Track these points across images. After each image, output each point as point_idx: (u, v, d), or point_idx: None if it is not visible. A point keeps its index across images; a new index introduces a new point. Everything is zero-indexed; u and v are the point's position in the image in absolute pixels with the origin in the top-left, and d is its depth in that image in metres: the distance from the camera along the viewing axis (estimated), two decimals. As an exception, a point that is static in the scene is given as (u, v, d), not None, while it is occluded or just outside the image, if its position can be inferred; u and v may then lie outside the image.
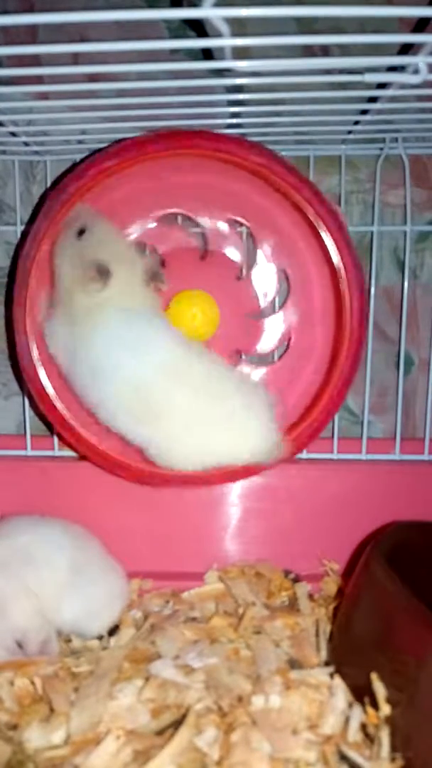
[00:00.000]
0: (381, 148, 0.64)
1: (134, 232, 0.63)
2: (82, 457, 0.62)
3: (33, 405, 0.67)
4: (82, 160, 0.61)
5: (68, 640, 0.52)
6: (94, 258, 0.54)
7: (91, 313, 0.55)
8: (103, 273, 0.54)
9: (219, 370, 0.58)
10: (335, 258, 0.56)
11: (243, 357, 0.66)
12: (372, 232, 0.67)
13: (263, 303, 0.65)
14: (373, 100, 0.51)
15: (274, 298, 0.65)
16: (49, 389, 0.58)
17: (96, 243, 0.55)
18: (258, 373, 0.66)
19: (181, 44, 0.42)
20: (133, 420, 0.55)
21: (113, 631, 0.53)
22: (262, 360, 0.67)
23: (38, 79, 0.53)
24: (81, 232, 0.55)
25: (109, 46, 0.41)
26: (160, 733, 0.40)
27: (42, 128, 0.59)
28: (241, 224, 0.64)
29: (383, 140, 0.63)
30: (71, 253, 0.55)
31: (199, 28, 0.50)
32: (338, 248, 0.56)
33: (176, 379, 0.55)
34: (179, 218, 0.65)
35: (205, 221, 0.63)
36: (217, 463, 0.56)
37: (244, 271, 0.65)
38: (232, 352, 0.64)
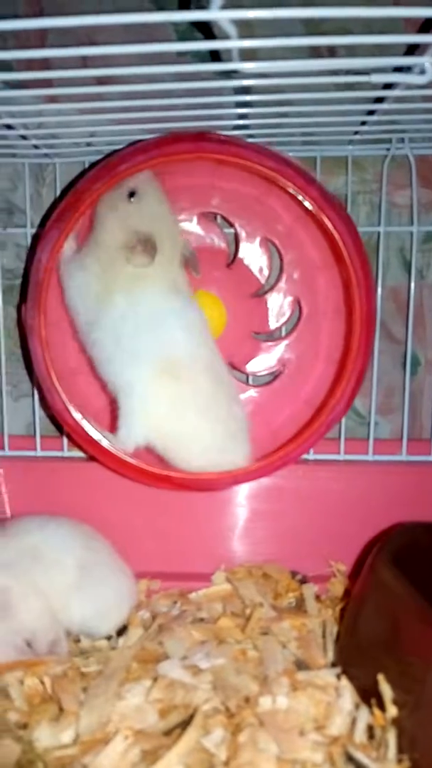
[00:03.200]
0: (387, 149, 0.64)
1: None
2: (91, 458, 0.63)
3: (43, 406, 0.68)
4: (95, 163, 0.61)
5: (77, 640, 0.53)
6: (143, 229, 0.54)
7: (127, 282, 0.54)
8: (150, 249, 0.53)
9: (230, 375, 0.59)
10: (356, 311, 0.55)
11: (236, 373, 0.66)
12: (379, 233, 0.67)
13: (272, 326, 0.65)
14: (379, 100, 0.51)
15: (282, 325, 0.65)
16: (62, 394, 0.58)
17: (146, 212, 0.55)
18: (246, 391, 0.66)
19: (189, 46, 0.42)
20: (154, 401, 0.55)
21: (122, 631, 0.53)
22: (253, 380, 0.67)
23: (47, 83, 0.54)
24: (132, 194, 0.55)
25: (118, 49, 0.41)
26: (167, 733, 0.41)
27: (51, 131, 0.59)
28: (273, 244, 0.64)
29: (390, 141, 0.63)
30: (118, 216, 0.55)
31: (206, 30, 0.51)
32: (349, 254, 0.55)
33: (203, 369, 0.55)
34: (217, 220, 0.65)
35: (241, 232, 0.64)
36: (208, 467, 0.56)
37: (263, 290, 0.65)
38: (227, 364, 0.64)
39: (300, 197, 0.54)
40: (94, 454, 0.59)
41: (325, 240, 0.57)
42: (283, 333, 0.66)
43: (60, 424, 0.65)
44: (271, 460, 0.57)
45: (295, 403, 0.64)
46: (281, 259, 0.64)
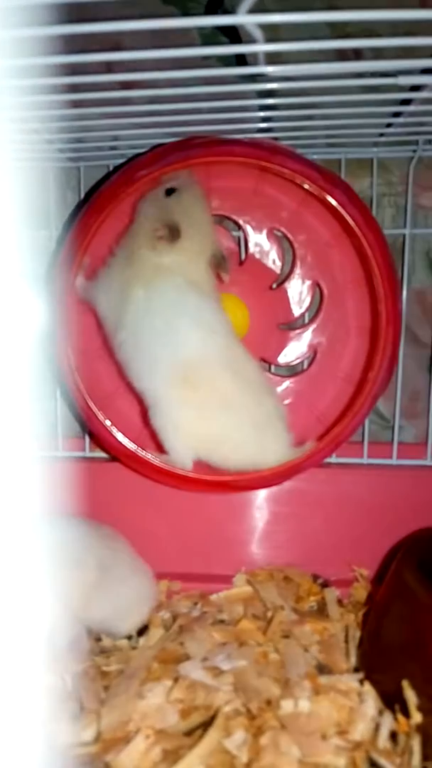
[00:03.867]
0: (414, 151, 0.64)
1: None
2: (113, 459, 0.63)
3: (68, 406, 0.68)
4: (119, 167, 0.62)
5: (98, 639, 0.53)
6: (171, 218, 0.54)
7: (148, 273, 0.54)
8: (172, 232, 0.54)
9: (259, 370, 0.58)
10: (375, 278, 0.55)
11: (271, 368, 0.66)
12: (404, 235, 0.66)
13: (296, 314, 0.65)
14: (406, 102, 0.50)
15: (306, 310, 0.65)
16: (86, 395, 0.58)
17: (181, 206, 0.55)
18: (282, 383, 0.66)
19: (216, 51, 0.42)
20: (180, 416, 0.55)
21: (142, 631, 0.53)
22: (288, 370, 0.67)
23: (73, 87, 0.55)
24: (170, 191, 0.55)
25: (143, 54, 0.42)
26: (188, 733, 0.41)
27: (76, 135, 0.60)
28: (282, 233, 0.64)
29: (416, 142, 0.62)
30: (154, 210, 0.55)
31: (231, 34, 0.51)
32: (375, 258, 0.55)
33: (227, 368, 0.55)
34: (218, 220, 0.65)
35: (247, 228, 0.64)
36: (246, 464, 0.56)
37: (279, 281, 0.65)
38: (257, 360, 0.64)
39: (298, 181, 0.54)
40: (150, 475, 0.59)
41: (331, 216, 0.57)
42: (308, 318, 0.66)
43: (82, 425, 0.66)
44: (321, 446, 0.56)
45: (335, 383, 0.63)
46: (292, 246, 0.64)
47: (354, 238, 0.55)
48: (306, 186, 0.54)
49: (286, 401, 0.65)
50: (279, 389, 0.66)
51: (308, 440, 0.58)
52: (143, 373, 0.56)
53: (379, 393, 0.57)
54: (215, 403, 0.55)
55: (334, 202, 0.54)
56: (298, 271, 0.64)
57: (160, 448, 0.58)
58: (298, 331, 0.66)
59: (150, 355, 0.55)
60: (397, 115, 0.54)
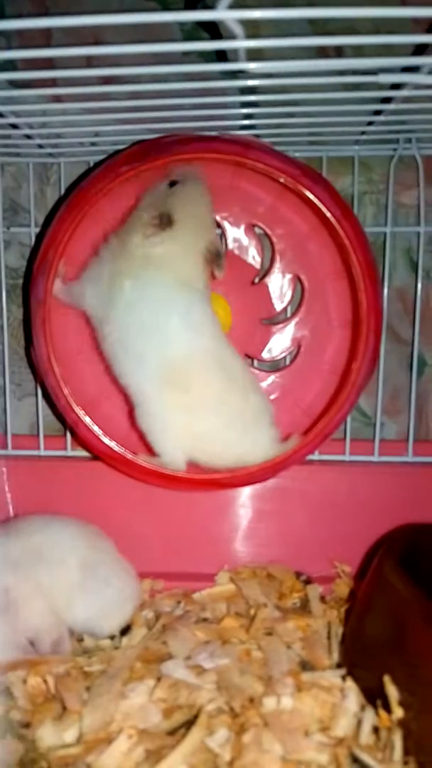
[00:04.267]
0: (394, 149, 0.64)
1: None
2: (95, 457, 0.63)
3: (49, 405, 0.68)
4: (99, 163, 0.61)
5: (80, 640, 0.53)
6: (167, 206, 0.53)
7: (137, 265, 0.54)
8: (164, 220, 0.53)
9: (245, 367, 0.58)
10: (354, 268, 0.55)
11: (254, 362, 0.67)
12: (385, 233, 0.66)
13: (278, 308, 0.65)
14: (386, 100, 0.51)
15: (288, 304, 0.65)
16: (65, 389, 0.58)
17: (179, 196, 0.54)
18: (268, 378, 0.66)
19: (196, 46, 0.42)
20: (167, 418, 0.55)
21: (125, 630, 0.53)
22: (272, 365, 0.67)
23: (52, 82, 0.54)
24: (173, 183, 0.55)
25: (123, 49, 0.41)
26: (171, 733, 0.40)
27: (56, 130, 0.59)
28: (260, 228, 0.64)
29: (397, 141, 0.63)
30: (153, 200, 0.55)
31: (212, 30, 0.51)
32: (353, 249, 0.55)
33: (214, 367, 0.55)
34: None
35: (224, 224, 0.64)
36: (235, 461, 0.56)
37: (260, 276, 0.65)
38: (242, 356, 0.64)
39: (273, 175, 0.54)
40: (139, 477, 0.59)
41: (308, 209, 0.57)
42: (290, 312, 0.66)
43: (64, 423, 0.65)
44: (308, 439, 0.56)
45: (320, 376, 0.64)
46: (270, 240, 0.64)
47: (331, 229, 0.55)
48: (281, 180, 0.54)
49: (272, 396, 0.65)
50: (264, 384, 0.66)
51: (295, 434, 0.58)
52: (129, 369, 0.55)
53: (364, 384, 0.58)
54: (202, 402, 0.55)
55: (309, 195, 0.54)
56: (277, 265, 0.65)
57: (149, 450, 0.58)
58: (280, 325, 0.66)
59: (136, 351, 0.54)
60: (378, 113, 0.54)
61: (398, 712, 0.39)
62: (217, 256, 0.56)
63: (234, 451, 0.56)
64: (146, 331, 0.54)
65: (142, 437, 0.58)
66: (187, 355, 0.54)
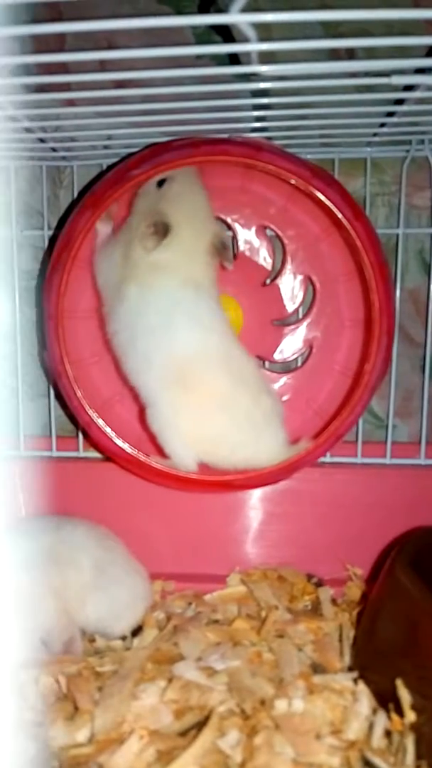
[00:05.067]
0: (407, 150, 0.64)
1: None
2: (107, 459, 0.63)
3: (62, 406, 0.68)
4: (112, 166, 0.62)
5: (92, 640, 0.53)
6: (161, 212, 0.53)
7: (143, 272, 0.53)
8: (159, 231, 0.52)
9: (256, 368, 0.58)
10: (366, 268, 0.55)
11: (266, 364, 0.67)
12: (397, 235, 0.66)
13: (290, 309, 0.65)
14: (399, 102, 0.50)
15: (299, 305, 0.65)
16: (78, 391, 0.58)
17: (171, 197, 0.54)
18: (280, 379, 0.66)
19: (209, 50, 0.42)
20: (177, 419, 0.54)
21: (136, 631, 0.53)
22: (284, 366, 0.67)
23: (66, 86, 0.54)
24: (161, 183, 0.54)
25: (137, 53, 0.41)
26: (183, 734, 0.41)
27: (69, 134, 0.59)
28: (271, 230, 0.64)
29: (409, 142, 0.63)
30: (145, 205, 0.54)
31: (225, 33, 0.51)
32: (365, 249, 0.55)
33: (224, 367, 0.54)
34: None
35: (236, 226, 0.64)
36: (244, 463, 0.56)
37: (271, 277, 0.65)
38: (253, 357, 0.64)
39: (284, 177, 0.54)
40: (152, 479, 0.59)
41: (319, 210, 0.57)
42: (302, 313, 0.66)
43: (76, 424, 0.66)
44: (321, 440, 0.56)
45: (332, 377, 0.64)
46: (281, 242, 0.64)
47: (343, 230, 0.55)
48: (292, 181, 0.54)
49: (284, 397, 0.65)
50: (276, 386, 0.66)
51: (307, 435, 0.58)
52: (138, 368, 0.55)
53: (377, 385, 0.57)
54: (212, 403, 0.55)
55: (321, 196, 0.54)
56: (289, 266, 0.65)
57: (161, 452, 0.58)
58: (292, 326, 0.66)
59: (144, 352, 0.54)
60: (390, 114, 0.54)
61: (411, 716, 0.38)
62: (222, 248, 0.56)
63: (243, 453, 0.56)
64: (155, 333, 0.54)
65: (154, 439, 0.58)
66: (195, 354, 0.54)
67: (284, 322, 0.66)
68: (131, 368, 0.56)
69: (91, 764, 0.39)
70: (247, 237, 0.64)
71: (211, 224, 0.56)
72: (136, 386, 0.56)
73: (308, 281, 0.65)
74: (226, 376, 0.55)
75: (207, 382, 0.54)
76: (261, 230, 0.64)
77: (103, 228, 0.58)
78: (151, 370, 0.54)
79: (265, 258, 0.65)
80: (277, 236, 0.64)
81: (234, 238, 0.64)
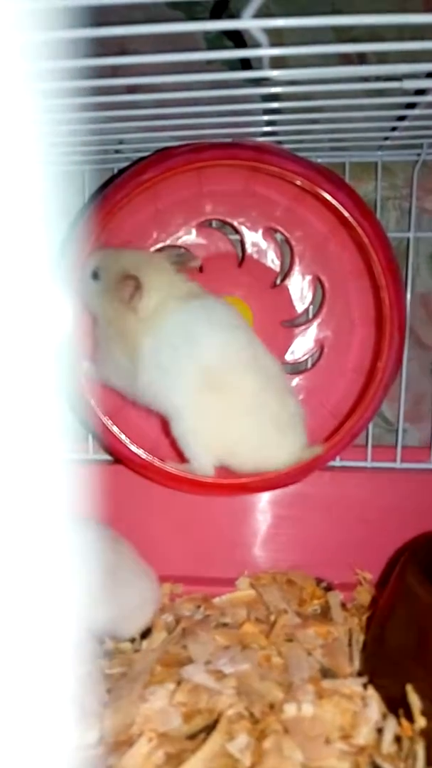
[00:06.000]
0: (418, 154, 0.64)
1: (174, 238, 0.64)
2: (117, 461, 0.63)
3: (71, 408, 0.68)
4: (123, 170, 0.62)
5: (101, 642, 0.53)
6: (120, 274, 0.54)
7: (145, 327, 0.55)
8: (132, 284, 0.54)
9: (281, 368, 0.59)
10: (375, 266, 0.55)
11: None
12: (408, 239, 0.66)
13: (299, 310, 0.65)
14: (411, 106, 0.50)
15: (309, 306, 0.65)
16: (92, 402, 0.58)
17: (114, 273, 0.55)
18: (292, 380, 0.66)
19: (221, 55, 0.42)
20: (204, 421, 0.55)
21: (145, 634, 0.53)
22: (296, 367, 0.67)
23: (78, 91, 0.55)
24: (95, 275, 0.56)
25: (148, 58, 0.42)
26: (191, 737, 0.41)
27: (81, 138, 0.60)
28: (278, 231, 0.64)
29: (421, 146, 0.63)
30: (98, 296, 0.56)
31: (236, 38, 0.51)
32: (373, 246, 0.55)
33: (245, 367, 0.55)
34: (214, 224, 0.66)
35: (242, 228, 0.64)
36: (265, 465, 0.56)
37: (280, 279, 0.65)
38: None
39: (288, 178, 0.54)
40: (166, 483, 0.60)
41: (326, 209, 0.57)
42: (312, 313, 0.66)
43: (89, 429, 0.66)
44: (336, 439, 0.57)
45: (345, 376, 0.64)
46: (289, 243, 0.64)
47: (350, 228, 0.55)
48: (298, 182, 0.54)
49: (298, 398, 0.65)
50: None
51: (322, 435, 0.58)
52: (165, 390, 0.56)
53: (390, 382, 0.57)
54: (240, 404, 0.55)
55: (326, 195, 0.54)
56: (297, 267, 0.65)
57: (178, 456, 0.58)
58: (302, 327, 0.66)
59: (172, 371, 0.55)
60: (401, 118, 0.54)
61: (421, 722, 0.38)
62: (182, 258, 0.58)
63: (264, 455, 0.56)
64: (180, 351, 0.55)
65: (170, 444, 0.58)
66: (223, 355, 0.55)
67: (294, 322, 0.66)
68: (158, 394, 0.56)
69: (99, 766, 0.39)
70: (254, 239, 0.65)
71: (158, 257, 0.58)
72: (162, 405, 0.57)
73: (317, 281, 0.65)
74: (254, 375, 0.55)
75: (235, 382, 0.55)
76: (268, 232, 0.65)
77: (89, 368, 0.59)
78: (180, 383, 0.55)
79: (273, 260, 0.65)
80: (285, 237, 0.65)
81: (241, 240, 0.64)
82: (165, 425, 0.59)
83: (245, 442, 0.56)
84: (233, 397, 0.55)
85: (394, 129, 0.56)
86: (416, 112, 0.50)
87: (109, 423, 0.58)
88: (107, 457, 0.66)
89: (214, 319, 0.56)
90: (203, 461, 0.57)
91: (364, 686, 0.44)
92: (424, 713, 0.38)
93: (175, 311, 0.55)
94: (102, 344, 0.58)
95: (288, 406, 0.57)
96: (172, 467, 0.57)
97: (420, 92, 0.47)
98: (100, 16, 0.62)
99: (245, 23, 0.35)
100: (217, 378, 0.54)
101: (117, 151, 0.64)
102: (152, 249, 0.64)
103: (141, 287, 0.54)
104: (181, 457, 0.59)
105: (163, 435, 0.61)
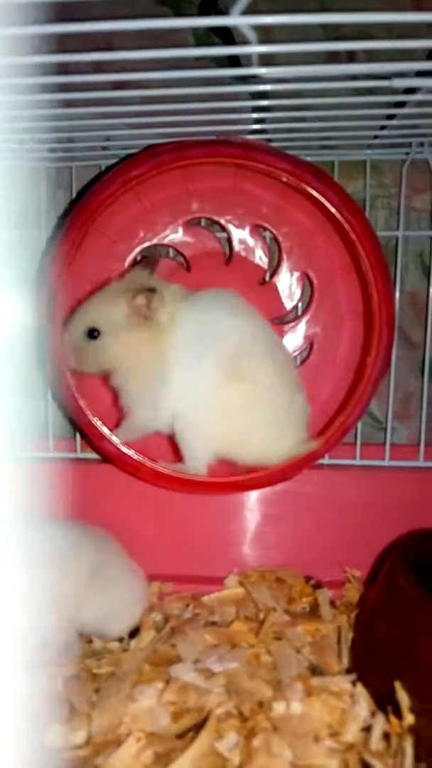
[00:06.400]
0: (407, 153, 0.64)
1: (161, 237, 0.64)
2: (105, 460, 0.63)
3: (59, 406, 0.68)
4: (111, 167, 0.62)
5: (89, 642, 0.53)
6: (137, 297, 0.54)
7: (167, 326, 0.55)
8: (147, 293, 0.54)
9: (293, 364, 0.60)
10: (363, 261, 0.55)
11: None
12: (397, 237, 0.66)
13: (288, 307, 0.65)
14: (399, 105, 0.50)
15: (298, 302, 0.65)
16: (76, 392, 0.58)
17: (119, 307, 0.55)
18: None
19: (210, 52, 0.42)
20: (220, 411, 0.55)
21: (134, 633, 0.53)
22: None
23: (64, 87, 0.54)
24: (92, 333, 0.55)
25: (135, 54, 0.41)
26: (180, 736, 0.40)
27: (67, 135, 0.59)
28: (266, 229, 0.64)
29: (409, 145, 0.63)
30: (107, 347, 0.55)
31: (225, 35, 0.51)
32: (360, 242, 0.55)
33: (269, 357, 0.56)
34: (203, 222, 0.65)
35: (229, 226, 0.64)
36: (265, 458, 0.57)
37: (268, 276, 0.65)
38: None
39: (275, 174, 0.54)
40: (158, 483, 0.59)
41: (312, 205, 0.57)
42: (301, 310, 0.66)
43: (74, 425, 0.65)
44: (328, 435, 0.57)
45: (335, 372, 0.64)
46: (276, 240, 0.64)
47: (337, 224, 0.56)
48: (284, 179, 0.54)
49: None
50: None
51: (314, 431, 0.58)
52: (190, 390, 0.56)
53: (379, 378, 0.58)
54: (256, 396, 0.55)
55: (312, 191, 0.54)
56: (285, 264, 0.65)
57: (170, 456, 0.58)
58: (292, 324, 0.66)
59: (198, 367, 0.55)
60: (390, 117, 0.54)
61: (409, 719, 0.38)
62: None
63: (268, 448, 0.56)
64: (204, 341, 0.55)
65: (160, 444, 0.59)
66: (245, 338, 0.56)
67: (284, 319, 0.66)
68: (179, 394, 0.56)
69: (87, 766, 0.38)
70: (241, 237, 0.64)
71: (136, 277, 0.57)
72: (181, 404, 0.56)
73: (305, 277, 0.65)
74: (272, 364, 0.56)
75: (255, 371, 0.55)
76: (255, 229, 0.64)
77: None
78: (202, 374, 0.55)
79: (260, 257, 0.65)
80: (272, 234, 0.64)
81: (229, 238, 0.64)
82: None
83: (253, 435, 0.56)
84: (252, 388, 0.55)
85: (383, 128, 0.56)
86: (405, 110, 0.51)
87: (98, 424, 0.57)
88: (95, 456, 0.66)
89: (228, 306, 0.57)
90: (201, 460, 0.57)
91: (353, 683, 0.44)
92: (412, 710, 0.39)
93: (188, 308, 0.56)
94: (127, 392, 0.57)
95: (297, 400, 0.57)
96: (163, 467, 0.57)
97: (409, 91, 0.47)
98: (86, 12, 0.61)
99: (234, 20, 0.34)
100: (239, 367, 0.55)
101: (104, 148, 0.64)
102: (139, 248, 0.64)
103: (158, 293, 0.54)
104: (176, 456, 0.59)
105: (152, 435, 0.61)
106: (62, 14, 0.62)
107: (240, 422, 0.56)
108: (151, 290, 0.54)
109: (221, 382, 0.55)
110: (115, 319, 0.55)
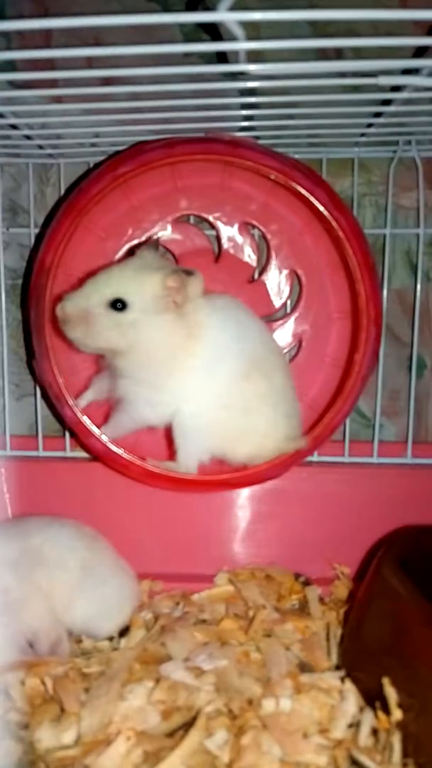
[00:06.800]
0: (394, 151, 0.64)
1: (150, 234, 0.63)
2: (94, 458, 0.63)
3: (48, 406, 0.68)
4: (99, 164, 0.62)
5: (79, 641, 0.52)
6: (170, 278, 0.51)
7: (189, 317, 0.53)
8: (185, 278, 0.51)
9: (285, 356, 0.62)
10: (350, 259, 0.55)
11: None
12: (385, 235, 0.66)
13: (277, 304, 0.65)
14: (386, 102, 0.51)
15: (286, 300, 0.66)
16: (65, 392, 0.58)
17: (153, 283, 0.51)
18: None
19: (197, 48, 0.42)
20: (225, 407, 0.55)
21: (124, 632, 0.53)
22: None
23: (52, 83, 0.54)
24: (118, 304, 0.50)
25: (124, 50, 0.41)
26: (170, 734, 0.40)
27: (56, 131, 0.59)
28: (254, 226, 0.64)
29: (396, 143, 0.63)
30: (133, 323, 0.51)
31: (213, 31, 0.51)
32: (348, 240, 0.55)
33: (279, 359, 0.59)
34: (192, 220, 0.65)
35: (218, 224, 0.64)
36: (260, 455, 0.57)
37: (257, 274, 0.65)
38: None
39: (263, 172, 0.54)
40: (147, 481, 0.59)
41: (300, 203, 0.57)
42: (290, 307, 0.66)
43: (63, 424, 0.65)
44: (316, 432, 0.57)
45: (323, 369, 0.64)
46: (265, 237, 0.64)
47: (325, 222, 0.56)
48: (272, 176, 0.54)
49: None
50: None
51: (302, 428, 0.58)
52: (208, 385, 0.55)
53: (367, 375, 0.58)
54: (264, 393, 0.56)
55: (300, 189, 0.55)
56: (274, 261, 0.65)
57: (159, 453, 0.58)
58: (280, 321, 0.66)
59: (221, 364, 0.54)
60: (378, 115, 0.54)
61: (397, 714, 0.39)
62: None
63: (262, 445, 0.56)
64: (230, 341, 0.55)
65: (150, 442, 0.59)
66: (265, 338, 0.58)
67: (272, 317, 0.66)
68: (194, 388, 0.55)
69: (77, 766, 0.38)
70: (230, 234, 0.64)
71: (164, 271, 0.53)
72: (191, 400, 0.55)
73: (294, 275, 0.65)
74: (282, 363, 0.58)
75: (268, 371, 0.56)
76: (244, 227, 0.64)
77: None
78: (224, 371, 0.55)
79: (249, 255, 0.65)
80: (261, 232, 0.64)
81: (217, 236, 0.64)
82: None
83: (252, 432, 0.56)
84: (261, 386, 0.55)
85: (370, 125, 0.57)
86: (392, 108, 0.51)
87: (88, 422, 0.57)
88: (84, 454, 0.66)
89: (244, 308, 0.58)
90: (196, 458, 0.57)
91: (342, 680, 0.44)
92: (400, 706, 0.39)
93: (210, 305, 0.55)
94: (134, 377, 0.54)
95: (293, 398, 0.58)
96: (153, 465, 0.57)
97: (396, 89, 0.47)
98: (73, 6, 0.61)
99: (221, 16, 0.34)
100: (257, 366, 0.55)
101: (93, 145, 0.63)
102: (127, 246, 0.63)
103: (195, 275, 0.52)
104: (165, 454, 0.59)
105: (143, 433, 0.61)
106: (52, 9, 0.62)
107: (244, 419, 0.55)
108: (188, 273, 0.51)
109: (239, 379, 0.55)
110: (148, 295, 0.51)
